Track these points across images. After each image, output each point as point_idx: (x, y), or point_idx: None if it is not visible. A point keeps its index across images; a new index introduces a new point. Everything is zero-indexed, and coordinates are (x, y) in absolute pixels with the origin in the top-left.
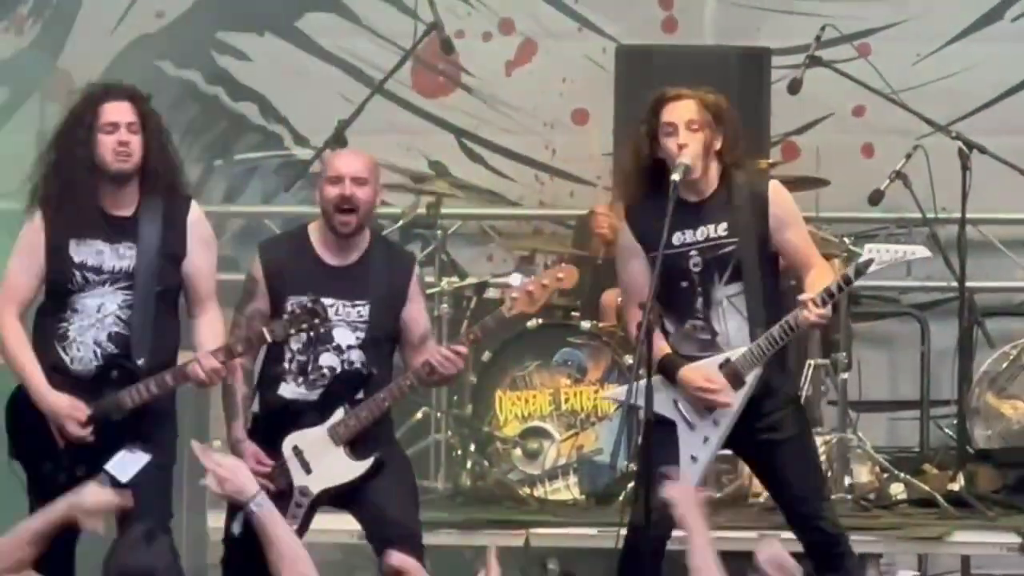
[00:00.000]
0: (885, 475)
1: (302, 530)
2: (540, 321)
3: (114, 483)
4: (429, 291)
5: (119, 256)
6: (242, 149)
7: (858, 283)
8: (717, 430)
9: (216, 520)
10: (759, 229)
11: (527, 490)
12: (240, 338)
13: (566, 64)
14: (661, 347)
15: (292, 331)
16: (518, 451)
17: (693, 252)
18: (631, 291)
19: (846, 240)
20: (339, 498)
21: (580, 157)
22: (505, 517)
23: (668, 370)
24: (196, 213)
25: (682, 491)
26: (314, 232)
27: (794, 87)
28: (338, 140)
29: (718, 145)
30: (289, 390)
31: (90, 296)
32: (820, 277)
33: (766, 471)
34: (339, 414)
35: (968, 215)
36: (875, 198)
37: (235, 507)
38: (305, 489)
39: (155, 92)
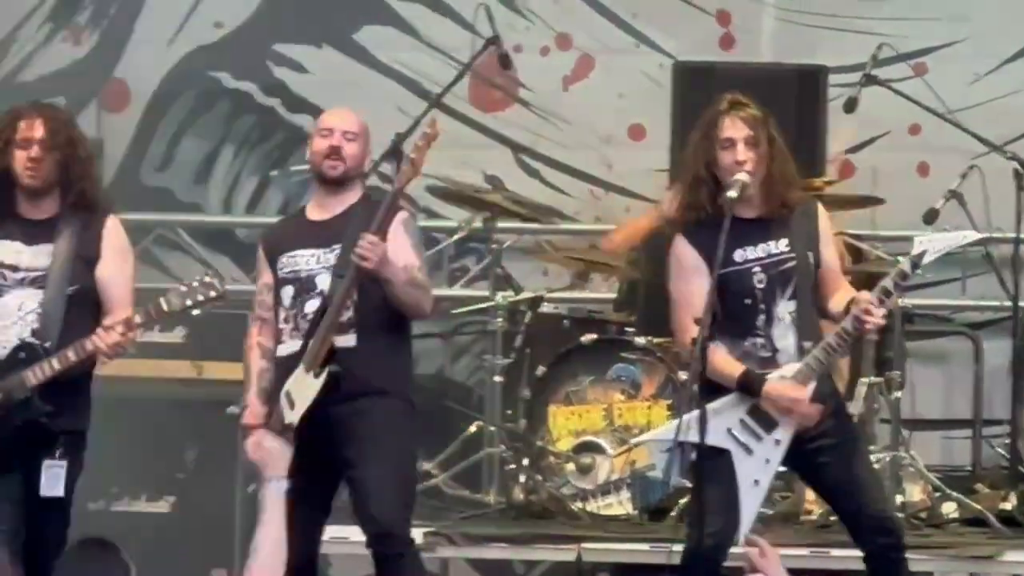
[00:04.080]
0: (937, 494)
1: (298, 468)
2: (594, 336)
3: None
4: (483, 305)
5: (36, 256)
6: (298, 161)
7: (912, 301)
8: (778, 449)
9: None
10: (812, 246)
11: (579, 505)
12: (139, 310)
13: (623, 80)
14: (731, 362)
15: (188, 302)
16: (571, 466)
17: (757, 268)
18: (692, 306)
19: (899, 259)
20: (335, 462)
21: (636, 172)
22: (557, 532)
23: (750, 386)
24: (112, 223)
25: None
26: (310, 201)
27: (850, 105)
28: (395, 153)
29: (775, 158)
30: (286, 348)
31: (11, 296)
32: (848, 297)
33: (823, 478)
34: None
35: (1022, 234)
36: (930, 217)
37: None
38: (291, 424)
39: (212, 103)
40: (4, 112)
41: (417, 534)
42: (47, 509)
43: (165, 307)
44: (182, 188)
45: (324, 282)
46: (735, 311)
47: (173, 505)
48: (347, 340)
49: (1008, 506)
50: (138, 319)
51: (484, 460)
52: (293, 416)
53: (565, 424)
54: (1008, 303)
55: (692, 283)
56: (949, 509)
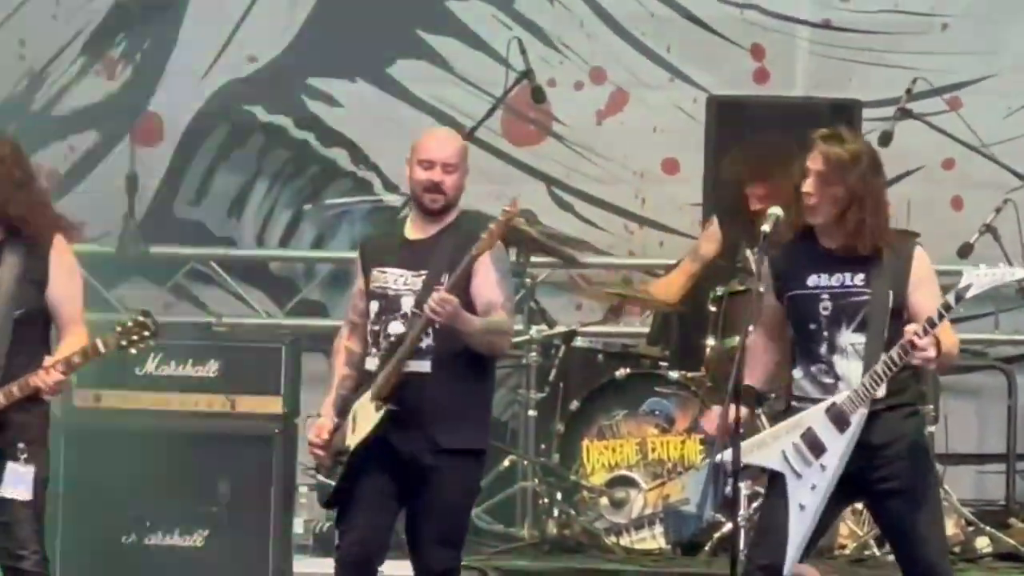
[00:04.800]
0: (971, 528)
1: (339, 487)
2: (628, 370)
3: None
4: (517, 339)
5: None
6: (332, 195)
7: None
8: (824, 475)
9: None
10: (896, 285)
11: (613, 539)
12: (77, 351)
13: (657, 114)
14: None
15: (123, 342)
16: (604, 500)
17: (825, 296)
18: (762, 320)
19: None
20: (403, 493)
21: (670, 207)
22: (591, 566)
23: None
24: (60, 244)
25: None
26: (411, 214)
27: (884, 139)
28: None
29: (855, 200)
30: (372, 362)
31: None
32: (940, 333)
33: (887, 523)
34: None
35: None
36: (964, 251)
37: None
38: (347, 448)
39: (246, 136)
40: None
41: None
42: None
43: (102, 348)
44: (215, 222)
45: (408, 304)
46: (801, 333)
47: (206, 539)
48: (421, 365)
49: None
50: (77, 360)
51: (518, 494)
52: (351, 441)
53: (599, 458)
54: None
55: (765, 300)
56: (983, 544)
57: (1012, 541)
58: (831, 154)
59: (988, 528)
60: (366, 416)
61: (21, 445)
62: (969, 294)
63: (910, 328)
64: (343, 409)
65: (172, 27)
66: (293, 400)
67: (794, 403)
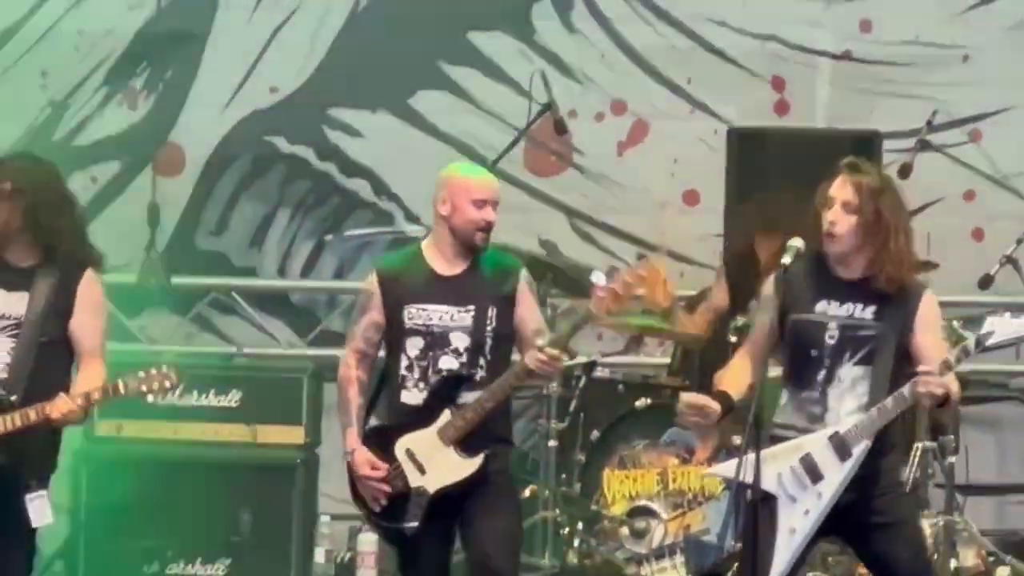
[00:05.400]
0: (991, 558)
1: (424, 530)
2: (649, 401)
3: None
4: None
5: (12, 303)
6: (353, 225)
7: (966, 367)
8: (820, 503)
9: None
10: (903, 323)
11: (634, 569)
12: (97, 388)
13: (677, 145)
14: (721, 383)
15: (143, 388)
16: (625, 530)
17: (832, 324)
18: (752, 340)
19: (955, 323)
20: (452, 511)
21: (690, 238)
22: None
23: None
24: (89, 276)
25: None
26: (428, 247)
27: (905, 171)
28: None
29: (879, 231)
30: (410, 396)
31: None
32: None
33: (873, 556)
34: (446, 415)
35: None
36: (985, 282)
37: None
38: (421, 489)
39: (267, 167)
40: None
41: None
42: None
43: (122, 390)
44: (237, 252)
45: (459, 340)
46: (799, 360)
47: (228, 568)
48: (474, 396)
49: None
50: (96, 396)
51: (539, 523)
52: (425, 483)
53: (619, 488)
54: None
55: (760, 319)
56: (1004, 574)
57: None
58: (859, 183)
59: (1009, 558)
60: (441, 460)
61: (31, 474)
62: (990, 341)
63: (924, 368)
64: (367, 437)
65: (194, 58)
66: (315, 430)
67: (776, 430)
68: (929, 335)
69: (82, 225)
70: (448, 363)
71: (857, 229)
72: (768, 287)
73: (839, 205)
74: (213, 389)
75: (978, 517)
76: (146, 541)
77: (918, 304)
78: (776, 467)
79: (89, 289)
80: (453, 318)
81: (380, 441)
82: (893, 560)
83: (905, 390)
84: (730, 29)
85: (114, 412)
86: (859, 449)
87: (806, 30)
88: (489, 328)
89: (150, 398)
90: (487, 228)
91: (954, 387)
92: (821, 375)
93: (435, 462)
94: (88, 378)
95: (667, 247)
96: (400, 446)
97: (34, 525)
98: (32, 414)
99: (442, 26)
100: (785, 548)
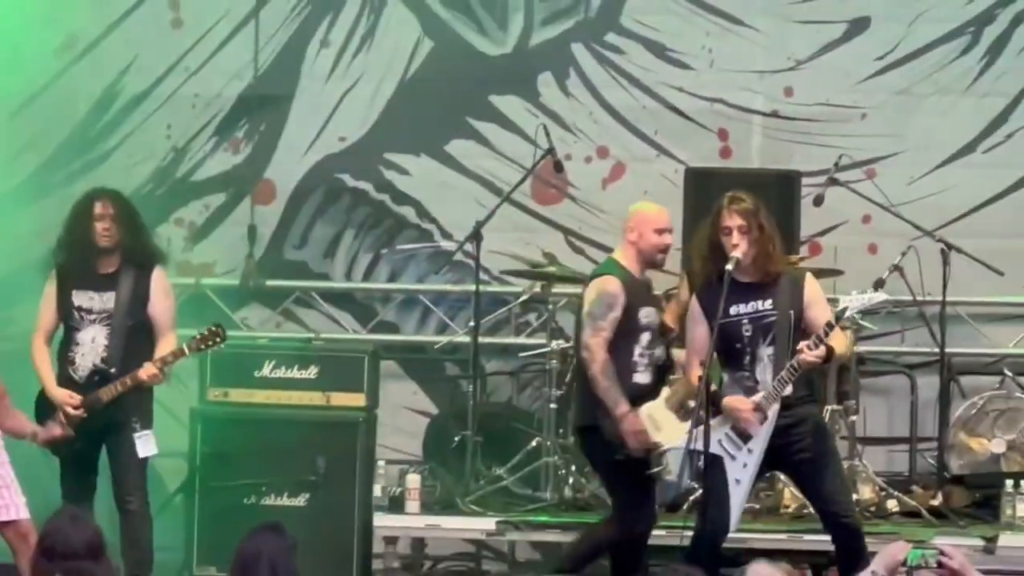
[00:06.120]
0: (883, 493)
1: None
2: None
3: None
4: (541, 351)
5: (104, 301)
6: (402, 241)
7: (864, 348)
8: (752, 456)
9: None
10: (794, 306)
11: None
12: (168, 353)
13: (647, 181)
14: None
15: (201, 346)
16: None
17: (745, 320)
18: (695, 348)
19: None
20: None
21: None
22: (596, 521)
23: (717, 400)
24: (159, 272)
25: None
26: (628, 263)
27: (818, 201)
28: (475, 236)
29: (763, 239)
30: (642, 377)
31: (85, 331)
32: (831, 340)
33: (803, 483)
34: (665, 391)
35: (947, 298)
36: (878, 284)
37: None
38: (659, 444)
39: (337, 197)
40: (80, 198)
41: (491, 522)
42: (127, 471)
43: (186, 351)
44: (315, 261)
45: (657, 334)
46: (729, 352)
47: (308, 500)
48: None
49: (936, 503)
50: (169, 359)
51: (542, 467)
52: (661, 438)
53: None
54: (936, 349)
55: (696, 330)
56: (892, 505)
57: (914, 503)
58: (743, 210)
59: (896, 493)
60: (671, 423)
61: (135, 418)
62: (847, 314)
63: (803, 344)
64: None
65: (283, 114)
66: (373, 396)
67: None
68: (816, 309)
69: (149, 234)
70: (659, 353)
71: (751, 244)
72: (694, 306)
73: (736, 231)
74: (296, 364)
75: (873, 462)
76: (246, 480)
77: (803, 286)
78: (715, 435)
79: (159, 280)
80: (657, 317)
81: None
82: (819, 484)
83: (794, 360)
84: (687, 94)
85: (221, 382)
86: (772, 412)
87: (744, 94)
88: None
89: (208, 352)
90: (666, 251)
91: (840, 344)
92: (747, 359)
93: (666, 424)
94: (164, 348)
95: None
96: (643, 412)
97: (141, 456)
98: (128, 380)
99: (469, 91)
100: (736, 495)
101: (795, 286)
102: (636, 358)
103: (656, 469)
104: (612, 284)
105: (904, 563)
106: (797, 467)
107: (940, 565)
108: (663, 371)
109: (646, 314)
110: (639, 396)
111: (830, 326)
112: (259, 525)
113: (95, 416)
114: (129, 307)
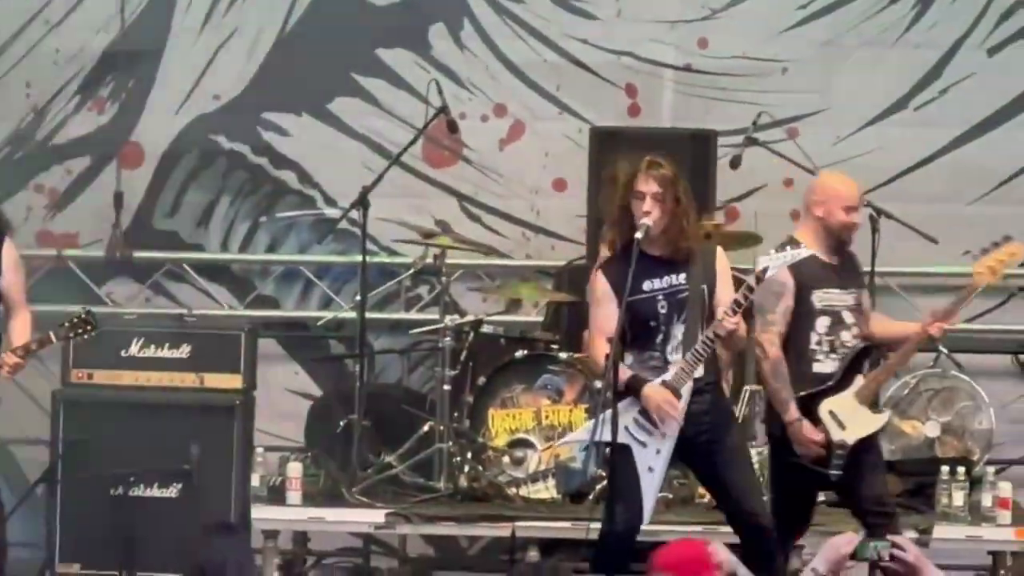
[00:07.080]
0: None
1: (847, 478)
2: (526, 352)
3: None
4: (435, 326)
5: None
6: (282, 208)
7: None
8: (666, 442)
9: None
10: (707, 280)
11: (513, 490)
12: (35, 340)
13: (549, 141)
14: (624, 370)
15: (70, 335)
16: (506, 459)
17: (660, 296)
18: (603, 328)
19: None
20: None
21: (559, 218)
22: (495, 512)
23: (634, 387)
24: (8, 244)
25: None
26: (811, 243)
27: (735, 163)
28: (362, 202)
29: (678, 212)
30: (823, 366)
31: None
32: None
33: (710, 475)
34: (859, 380)
35: (876, 268)
36: (794, 242)
37: None
38: (843, 443)
39: (211, 161)
40: None
41: (379, 514)
42: None
43: (53, 339)
44: (187, 231)
45: (848, 317)
46: (640, 331)
47: (180, 491)
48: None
49: None
50: (34, 346)
51: (435, 454)
52: (846, 436)
53: (502, 424)
54: None
55: (604, 308)
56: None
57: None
58: (661, 176)
59: None
60: (858, 417)
61: None
62: (768, 274)
63: (721, 310)
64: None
65: (151, 71)
66: (251, 377)
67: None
68: (724, 286)
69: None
70: (846, 337)
71: (664, 214)
72: (598, 281)
73: (650, 197)
74: (167, 343)
75: None
76: (112, 469)
77: (714, 261)
78: (621, 421)
79: (9, 252)
80: (842, 299)
81: (802, 405)
82: (728, 478)
83: (710, 331)
84: (591, 46)
85: (87, 362)
86: (685, 390)
87: (654, 47)
88: (863, 306)
89: (77, 341)
90: (855, 229)
91: (741, 326)
92: (659, 338)
93: (853, 419)
94: (21, 329)
95: None
96: (823, 408)
97: None
98: None
99: (354, 44)
100: (648, 486)
101: (707, 260)
102: (813, 346)
103: (834, 473)
104: (782, 273)
105: (852, 557)
106: (709, 458)
107: (893, 558)
108: (859, 356)
109: (823, 297)
110: (821, 384)
111: (750, 290)
112: (211, 527)
113: None
114: None
